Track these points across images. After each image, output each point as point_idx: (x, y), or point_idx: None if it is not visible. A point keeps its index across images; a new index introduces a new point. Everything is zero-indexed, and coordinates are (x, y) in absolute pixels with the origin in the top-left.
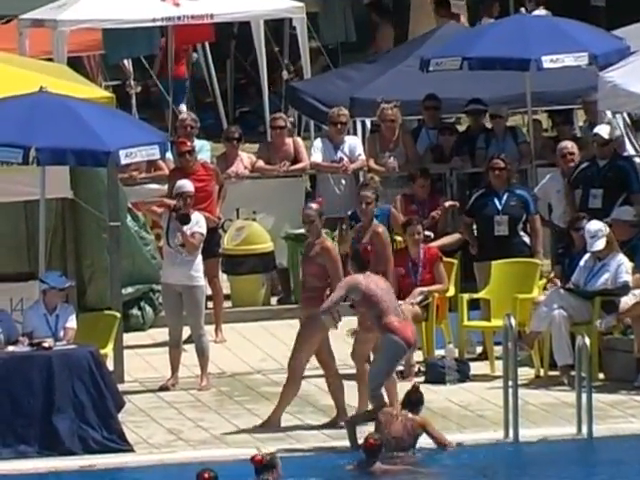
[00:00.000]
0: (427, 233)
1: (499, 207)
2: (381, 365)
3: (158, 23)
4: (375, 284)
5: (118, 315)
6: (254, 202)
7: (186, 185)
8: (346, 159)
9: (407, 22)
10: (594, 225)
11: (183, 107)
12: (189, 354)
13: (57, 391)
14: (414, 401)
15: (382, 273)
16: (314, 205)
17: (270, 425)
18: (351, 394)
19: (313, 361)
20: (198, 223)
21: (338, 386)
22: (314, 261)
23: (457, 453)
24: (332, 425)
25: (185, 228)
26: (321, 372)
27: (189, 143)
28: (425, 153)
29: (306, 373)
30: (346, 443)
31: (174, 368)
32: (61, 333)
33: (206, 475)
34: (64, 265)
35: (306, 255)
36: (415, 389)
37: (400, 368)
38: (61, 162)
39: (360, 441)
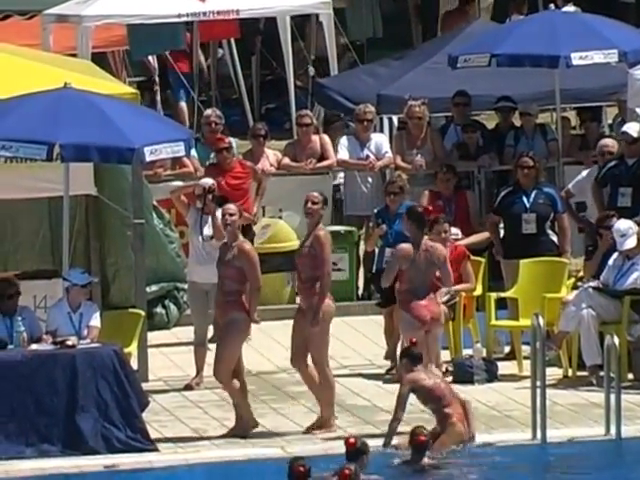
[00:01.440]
0: (454, 231)
1: (527, 205)
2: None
3: (183, 19)
4: (423, 259)
5: (142, 313)
6: (280, 200)
7: (208, 182)
8: (372, 156)
9: (436, 19)
10: (623, 224)
11: None
12: (214, 353)
13: (81, 390)
14: (415, 355)
15: (318, 277)
16: (232, 207)
17: (245, 427)
18: (373, 393)
19: (338, 360)
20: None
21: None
22: (231, 264)
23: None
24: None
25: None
26: (347, 372)
27: (227, 140)
28: (451, 151)
29: (333, 372)
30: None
31: (199, 367)
32: (85, 331)
33: (301, 469)
34: (88, 263)
35: (222, 258)
36: (413, 343)
37: None
38: (85, 159)
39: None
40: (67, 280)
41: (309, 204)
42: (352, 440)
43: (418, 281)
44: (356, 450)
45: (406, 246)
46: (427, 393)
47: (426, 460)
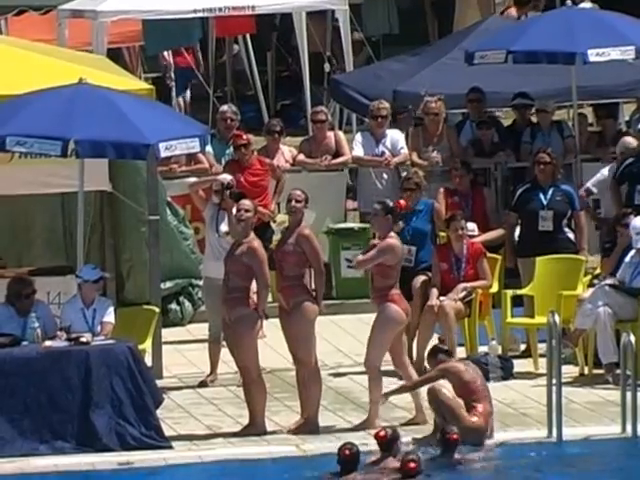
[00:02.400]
0: (471, 227)
1: (544, 202)
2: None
3: (199, 14)
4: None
5: (157, 310)
6: None
7: (226, 178)
8: (388, 153)
9: (452, 14)
10: None
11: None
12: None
13: (95, 387)
14: (447, 349)
15: (303, 274)
16: (248, 203)
17: (256, 429)
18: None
19: (353, 357)
20: None
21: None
22: (239, 260)
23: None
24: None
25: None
26: (361, 369)
27: (245, 136)
28: (465, 147)
29: (346, 370)
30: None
31: (213, 364)
32: (98, 328)
33: (346, 452)
34: (102, 259)
35: (231, 254)
36: (441, 341)
37: None
38: (100, 155)
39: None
40: (78, 277)
41: (293, 202)
42: (382, 433)
43: (398, 275)
44: (388, 441)
45: (398, 243)
46: (462, 385)
47: (455, 457)
